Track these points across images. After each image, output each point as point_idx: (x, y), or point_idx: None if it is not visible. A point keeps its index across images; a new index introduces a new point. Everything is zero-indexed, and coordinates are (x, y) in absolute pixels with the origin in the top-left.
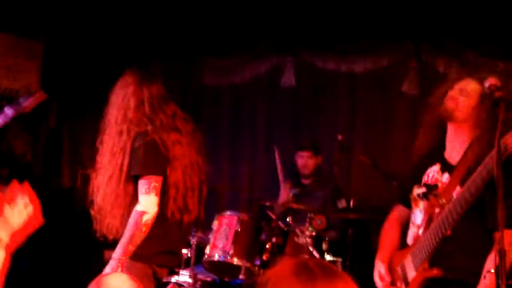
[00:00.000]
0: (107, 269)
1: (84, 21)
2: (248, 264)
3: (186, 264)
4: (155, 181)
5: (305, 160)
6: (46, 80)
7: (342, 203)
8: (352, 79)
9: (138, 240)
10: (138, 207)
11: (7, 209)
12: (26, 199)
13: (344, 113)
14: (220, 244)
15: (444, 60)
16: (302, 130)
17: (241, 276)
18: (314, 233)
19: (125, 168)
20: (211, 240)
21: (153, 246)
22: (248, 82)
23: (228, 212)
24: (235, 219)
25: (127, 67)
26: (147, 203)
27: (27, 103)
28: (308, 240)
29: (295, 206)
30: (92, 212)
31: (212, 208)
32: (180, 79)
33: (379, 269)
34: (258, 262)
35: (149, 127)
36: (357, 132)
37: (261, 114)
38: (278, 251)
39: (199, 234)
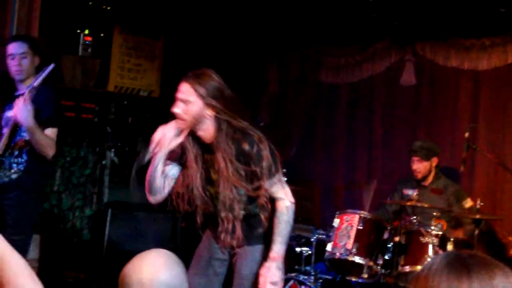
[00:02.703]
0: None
1: (203, 21)
2: (370, 263)
3: (307, 262)
4: None
5: (415, 164)
6: (166, 80)
7: (468, 203)
8: (475, 76)
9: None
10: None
11: None
12: None
13: (466, 111)
14: (341, 242)
15: None
16: (422, 129)
17: (363, 275)
18: (440, 233)
19: None
20: (333, 238)
21: None
22: (366, 80)
23: (349, 210)
24: (357, 217)
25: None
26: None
27: (38, 80)
28: (434, 239)
29: (419, 204)
30: None
31: (328, 206)
32: (297, 77)
33: None
34: (380, 261)
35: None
36: (480, 130)
37: (379, 113)
38: (401, 250)
39: (320, 231)
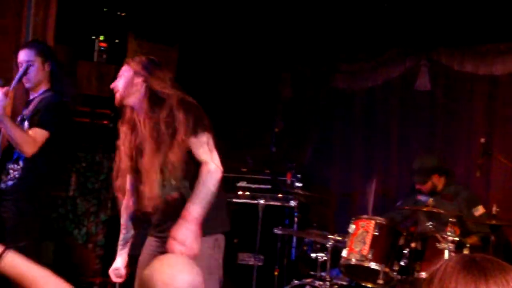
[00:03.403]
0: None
1: (217, 28)
2: (386, 269)
3: (322, 267)
4: None
5: (417, 185)
6: (180, 86)
7: (478, 211)
8: (491, 81)
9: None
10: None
11: None
12: None
13: (481, 117)
14: (357, 247)
15: None
16: (437, 134)
17: (379, 281)
18: (456, 239)
19: None
20: (348, 244)
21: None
22: (381, 86)
23: (365, 216)
24: (372, 223)
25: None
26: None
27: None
28: (450, 245)
29: (434, 210)
30: None
31: (344, 212)
32: (311, 83)
33: None
34: (396, 267)
35: None
36: (496, 136)
37: (394, 118)
38: (417, 256)
39: (335, 237)
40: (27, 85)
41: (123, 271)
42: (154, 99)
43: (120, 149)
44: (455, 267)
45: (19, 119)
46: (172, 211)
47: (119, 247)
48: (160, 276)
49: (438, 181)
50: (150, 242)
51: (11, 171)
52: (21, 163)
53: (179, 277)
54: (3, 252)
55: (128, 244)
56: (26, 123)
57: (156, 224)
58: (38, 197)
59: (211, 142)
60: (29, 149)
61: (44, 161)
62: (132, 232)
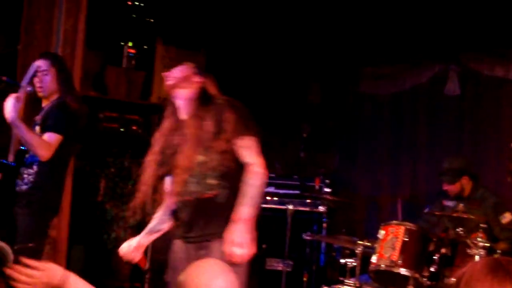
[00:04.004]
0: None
1: (243, 34)
2: (416, 275)
3: (351, 273)
4: None
5: (445, 186)
6: None
7: (505, 218)
8: None
9: None
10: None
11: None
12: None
13: (511, 121)
14: (387, 253)
15: None
16: (466, 139)
17: (408, 287)
18: (487, 244)
19: None
20: (377, 250)
21: None
22: (409, 91)
23: (394, 222)
24: (402, 229)
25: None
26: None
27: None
28: (481, 251)
29: (465, 216)
30: None
31: (372, 217)
32: (338, 87)
33: None
34: (426, 273)
35: None
36: None
37: (422, 123)
38: (447, 262)
39: (365, 243)
40: (41, 94)
41: (133, 248)
42: (205, 99)
43: (152, 151)
44: (481, 270)
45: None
46: (204, 210)
47: (143, 233)
48: (195, 282)
49: (467, 184)
50: (179, 245)
51: (25, 175)
52: (34, 167)
53: (215, 283)
54: (66, 275)
55: (152, 236)
56: (37, 128)
57: (186, 223)
58: (49, 200)
59: (257, 146)
60: (45, 153)
61: (56, 165)
62: (162, 227)
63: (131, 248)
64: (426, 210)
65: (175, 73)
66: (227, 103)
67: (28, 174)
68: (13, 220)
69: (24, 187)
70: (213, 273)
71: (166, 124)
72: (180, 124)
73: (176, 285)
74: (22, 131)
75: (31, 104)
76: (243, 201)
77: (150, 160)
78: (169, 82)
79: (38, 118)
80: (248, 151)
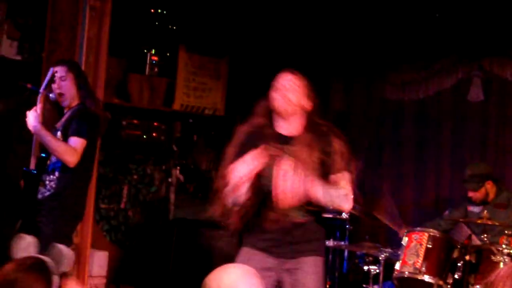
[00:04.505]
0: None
1: (267, 41)
2: (440, 282)
3: (375, 280)
4: None
5: (469, 193)
6: (230, 98)
7: None
8: None
9: None
10: None
11: None
12: None
13: None
14: (410, 260)
15: None
16: (490, 145)
17: None
18: None
19: None
20: (401, 256)
21: None
22: (432, 97)
23: (418, 228)
24: (426, 236)
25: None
26: None
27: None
28: (506, 258)
29: (489, 222)
30: None
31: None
32: (362, 94)
33: None
34: (450, 281)
35: None
36: None
37: (446, 129)
38: (471, 269)
39: (388, 250)
40: (63, 103)
41: None
42: (311, 123)
43: (234, 143)
44: (506, 272)
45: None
46: (301, 233)
47: None
48: (219, 284)
49: (491, 189)
50: (261, 258)
51: (47, 182)
52: (56, 173)
53: (239, 286)
54: None
55: None
56: (58, 133)
57: (274, 240)
58: (72, 206)
59: (352, 181)
60: (72, 159)
61: (78, 171)
62: None
63: None
64: (446, 213)
65: (294, 93)
66: (333, 132)
67: (50, 181)
68: (37, 228)
69: (47, 193)
70: (236, 275)
71: (258, 122)
72: (279, 136)
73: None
74: (47, 139)
75: (53, 111)
76: (326, 188)
77: (231, 153)
78: (288, 104)
79: (59, 124)
80: (345, 182)
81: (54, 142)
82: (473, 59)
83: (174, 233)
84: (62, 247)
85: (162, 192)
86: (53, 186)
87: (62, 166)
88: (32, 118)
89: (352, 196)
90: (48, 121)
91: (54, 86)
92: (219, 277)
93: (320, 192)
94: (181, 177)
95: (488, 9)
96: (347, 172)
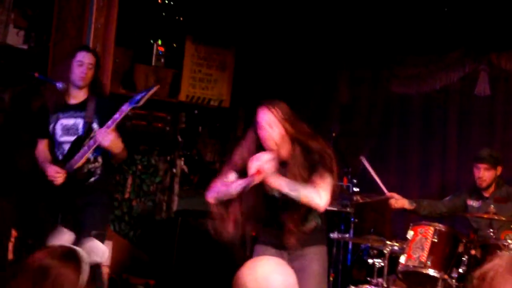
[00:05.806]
0: None
1: (273, 32)
2: (445, 276)
3: (379, 273)
4: None
5: (481, 172)
6: (236, 90)
7: None
8: None
9: None
10: None
11: None
12: None
13: None
14: (415, 254)
15: None
16: (496, 140)
17: None
18: None
19: None
20: (406, 250)
21: None
22: (439, 91)
23: (424, 222)
24: (431, 230)
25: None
26: None
27: (142, 97)
28: None
29: (496, 217)
30: None
31: (401, 218)
32: (368, 87)
33: None
34: (455, 275)
35: None
36: None
37: (452, 124)
38: (476, 264)
39: (393, 243)
40: (80, 83)
41: None
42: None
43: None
44: (506, 267)
45: (72, 122)
46: (307, 238)
47: None
48: (253, 276)
49: (497, 178)
50: (273, 252)
51: (92, 169)
52: (99, 159)
53: (272, 277)
54: None
55: None
56: (95, 125)
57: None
58: (110, 191)
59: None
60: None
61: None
62: None
63: None
64: (447, 198)
65: (274, 133)
66: (316, 139)
67: (95, 168)
68: (76, 213)
69: (92, 178)
70: (271, 267)
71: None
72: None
73: (235, 279)
74: (123, 153)
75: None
76: (292, 183)
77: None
78: (273, 142)
79: (88, 115)
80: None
81: (123, 151)
82: (480, 54)
83: (178, 224)
84: (97, 241)
85: (166, 183)
86: (98, 172)
87: (103, 152)
88: (112, 140)
89: (326, 193)
90: (51, 110)
91: (79, 69)
92: (253, 270)
93: (283, 185)
94: (186, 168)
95: (497, 3)
96: (326, 172)
